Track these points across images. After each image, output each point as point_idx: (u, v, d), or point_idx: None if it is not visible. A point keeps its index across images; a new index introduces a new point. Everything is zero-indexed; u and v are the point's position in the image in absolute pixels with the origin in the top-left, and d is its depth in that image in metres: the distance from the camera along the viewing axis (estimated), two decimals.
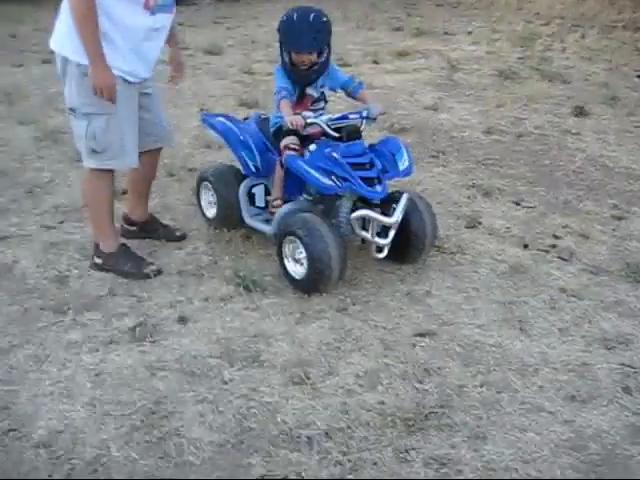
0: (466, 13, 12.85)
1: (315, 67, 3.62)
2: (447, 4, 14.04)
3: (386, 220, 3.44)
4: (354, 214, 3.45)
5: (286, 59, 3.63)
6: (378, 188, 3.44)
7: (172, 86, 4.01)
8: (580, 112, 6.65)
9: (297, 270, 3.49)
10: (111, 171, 3.56)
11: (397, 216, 3.44)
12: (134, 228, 4.05)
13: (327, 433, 2.56)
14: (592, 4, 12.43)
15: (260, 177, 3.96)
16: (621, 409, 2.73)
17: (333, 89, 3.86)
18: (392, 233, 3.48)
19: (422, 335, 3.16)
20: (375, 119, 3.66)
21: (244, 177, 4.02)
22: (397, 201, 3.50)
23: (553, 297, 3.53)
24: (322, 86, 3.75)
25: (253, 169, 3.90)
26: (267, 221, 3.85)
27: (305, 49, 3.56)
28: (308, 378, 2.85)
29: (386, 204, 3.52)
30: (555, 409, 2.72)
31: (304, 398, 2.75)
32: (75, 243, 4.02)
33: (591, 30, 10.55)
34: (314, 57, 3.58)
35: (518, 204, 4.68)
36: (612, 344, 3.15)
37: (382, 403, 2.72)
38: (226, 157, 5.24)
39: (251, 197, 3.99)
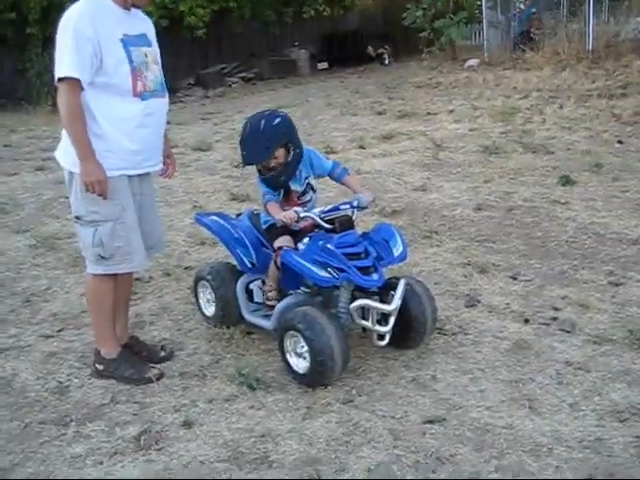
0: (446, 93, 13.21)
1: (284, 167, 3.65)
2: (427, 85, 14.46)
3: (385, 308, 3.45)
4: (353, 304, 3.45)
5: (258, 166, 3.72)
6: (375, 276, 3.45)
7: (164, 181, 4.03)
8: (567, 181, 6.78)
9: (300, 364, 3.45)
10: (114, 275, 3.57)
11: (396, 303, 3.45)
12: None
13: None
14: (567, 75, 12.82)
15: (257, 272, 3.96)
16: None
17: (320, 176, 3.89)
18: (392, 320, 3.48)
19: (431, 422, 3.11)
20: (366, 207, 3.73)
21: (241, 273, 4.03)
22: (395, 288, 3.51)
23: (559, 371, 3.50)
24: (306, 177, 3.79)
25: (249, 265, 3.92)
26: (266, 316, 3.82)
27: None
28: (319, 477, 2.78)
29: (384, 291, 3.53)
30: None
31: None
32: (75, 351, 3.98)
33: (568, 100, 10.84)
34: (281, 158, 3.63)
35: (515, 278, 4.70)
36: (625, 416, 3.10)
37: None
38: (222, 253, 5.27)
39: (249, 293, 3.99)
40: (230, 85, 19.09)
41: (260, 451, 2.98)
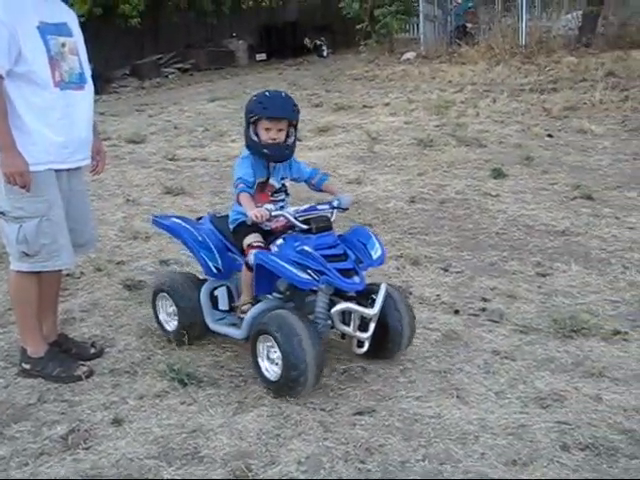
0: (382, 85, 13.34)
1: (290, 145, 3.50)
2: (364, 78, 14.57)
3: (368, 312, 3.30)
4: (335, 308, 3.29)
5: (255, 138, 3.47)
6: (356, 279, 3.31)
7: (94, 177, 3.96)
8: (498, 174, 6.94)
9: (271, 370, 3.31)
10: (39, 273, 3.48)
11: (378, 307, 3.32)
12: None
13: None
14: (500, 70, 13.11)
15: (222, 278, 3.74)
16: (561, 468, 2.77)
17: (295, 180, 3.71)
18: (372, 326, 3.33)
19: (361, 413, 3.15)
20: (347, 209, 3.61)
21: (201, 282, 3.82)
22: (374, 292, 3.39)
23: (487, 361, 3.59)
24: (283, 178, 3.61)
25: (214, 270, 3.68)
26: (234, 324, 3.64)
27: (285, 116, 3.45)
28: (250, 470, 2.79)
29: (362, 296, 3.40)
30: (498, 475, 2.73)
31: None
32: (0, 350, 3.88)
33: (501, 95, 11.08)
34: (283, 136, 3.47)
35: (446, 270, 4.79)
36: (547, 402, 3.20)
37: None
38: (155, 248, 5.25)
39: (213, 301, 3.75)
40: (167, 76, 18.81)
41: (191, 446, 2.97)
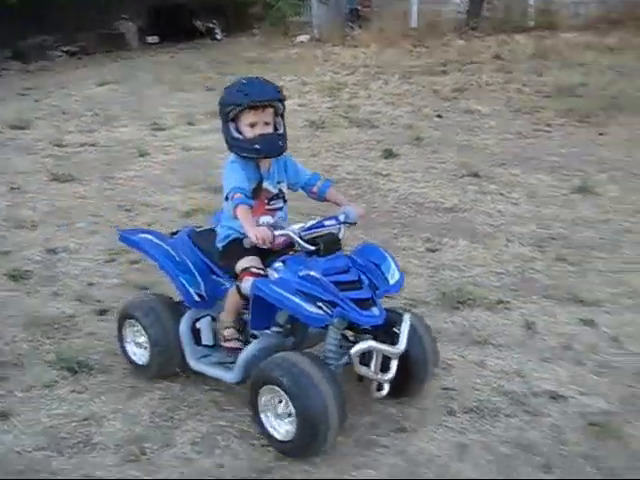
0: (276, 68, 13.28)
1: (276, 135, 3.05)
2: (258, 61, 14.47)
3: (394, 350, 2.79)
4: (355, 348, 2.77)
5: (237, 136, 3.00)
6: (375, 311, 2.80)
7: None
8: (389, 154, 7.10)
9: (281, 429, 2.77)
10: None
11: (404, 343, 2.82)
12: None
13: None
14: (392, 52, 13.33)
15: (205, 307, 3.21)
16: (447, 431, 2.93)
17: (293, 187, 3.24)
18: (395, 364, 2.82)
19: None
20: (355, 223, 3.12)
21: (182, 307, 3.27)
22: (393, 323, 2.90)
23: None
24: (279, 182, 3.12)
25: (197, 298, 3.15)
26: (221, 364, 3.12)
27: (272, 98, 3.03)
28: (144, 454, 2.79)
29: (380, 329, 2.88)
30: (389, 442, 2.86)
31: (140, 475, 2.68)
32: None
33: (393, 77, 11.28)
34: (271, 124, 3.04)
35: None
36: (435, 371, 3.33)
37: (221, 466, 2.73)
38: (41, 237, 5.07)
39: (196, 334, 3.20)
40: (53, 59, 18.06)
41: (82, 434, 2.94)
